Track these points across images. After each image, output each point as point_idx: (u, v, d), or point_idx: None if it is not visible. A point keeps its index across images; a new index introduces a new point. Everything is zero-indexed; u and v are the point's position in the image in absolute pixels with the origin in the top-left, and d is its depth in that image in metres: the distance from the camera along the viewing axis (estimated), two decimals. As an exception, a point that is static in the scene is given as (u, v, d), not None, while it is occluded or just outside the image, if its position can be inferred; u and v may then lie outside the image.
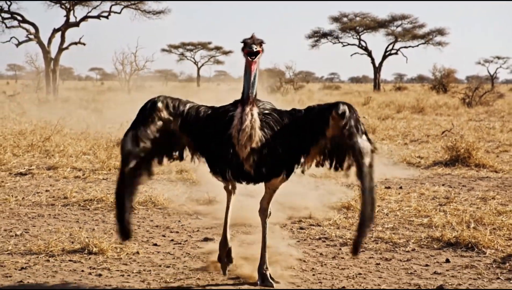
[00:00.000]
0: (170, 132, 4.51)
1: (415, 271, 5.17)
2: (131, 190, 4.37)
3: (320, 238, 6.14)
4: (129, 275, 4.97)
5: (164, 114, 4.47)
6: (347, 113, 4.31)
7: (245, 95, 4.35)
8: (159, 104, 4.45)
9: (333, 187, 8.61)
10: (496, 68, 69.30)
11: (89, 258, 5.33)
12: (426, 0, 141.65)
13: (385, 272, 5.13)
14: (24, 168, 9.68)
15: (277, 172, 4.47)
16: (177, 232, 6.36)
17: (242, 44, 4.41)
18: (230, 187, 4.98)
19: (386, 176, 9.52)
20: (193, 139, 4.56)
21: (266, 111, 4.44)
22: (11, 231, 6.22)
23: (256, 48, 4.36)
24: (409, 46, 53.35)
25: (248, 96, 4.33)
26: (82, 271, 5.02)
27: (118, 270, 5.08)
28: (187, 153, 4.66)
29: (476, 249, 5.68)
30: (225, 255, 4.92)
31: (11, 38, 36.85)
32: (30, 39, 36.67)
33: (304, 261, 5.40)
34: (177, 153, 4.63)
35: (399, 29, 53.12)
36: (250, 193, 6.55)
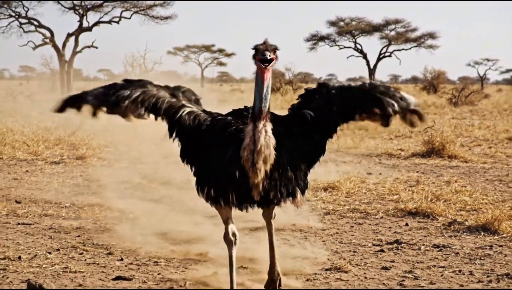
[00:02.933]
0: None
1: (380, 231, 6.69)
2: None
3: (307, 209, 7.65)
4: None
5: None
6: (393, 109, 4.12)
7: (256, 109, 3.72)
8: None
9: None
10: (485, 70, 70.95)
11: (127, 222, 6.86)
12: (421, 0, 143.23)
13: (357, 232, 6.65)
14: (57, 158, 11.26)
15: (293, 193, 3.97)
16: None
17: (253, 51, 3.85)
18: (230, 235, 4.19)
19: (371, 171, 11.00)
20: (185, 148, 4.10)
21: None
22: (60, 204, 7.77)
23: (270, 56, 3.78)
24: (402, 49, 54.92)
25: (260, 110, 3.71)
26: (123, 229, 6.54)
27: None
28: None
29: (431, 217, 7.20)
30: None
31: (28, 42, 39.15)
32: (45, 43, 38.79)
33: (294, 224, 6.92)
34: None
35: (393, 33, 54.70)
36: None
